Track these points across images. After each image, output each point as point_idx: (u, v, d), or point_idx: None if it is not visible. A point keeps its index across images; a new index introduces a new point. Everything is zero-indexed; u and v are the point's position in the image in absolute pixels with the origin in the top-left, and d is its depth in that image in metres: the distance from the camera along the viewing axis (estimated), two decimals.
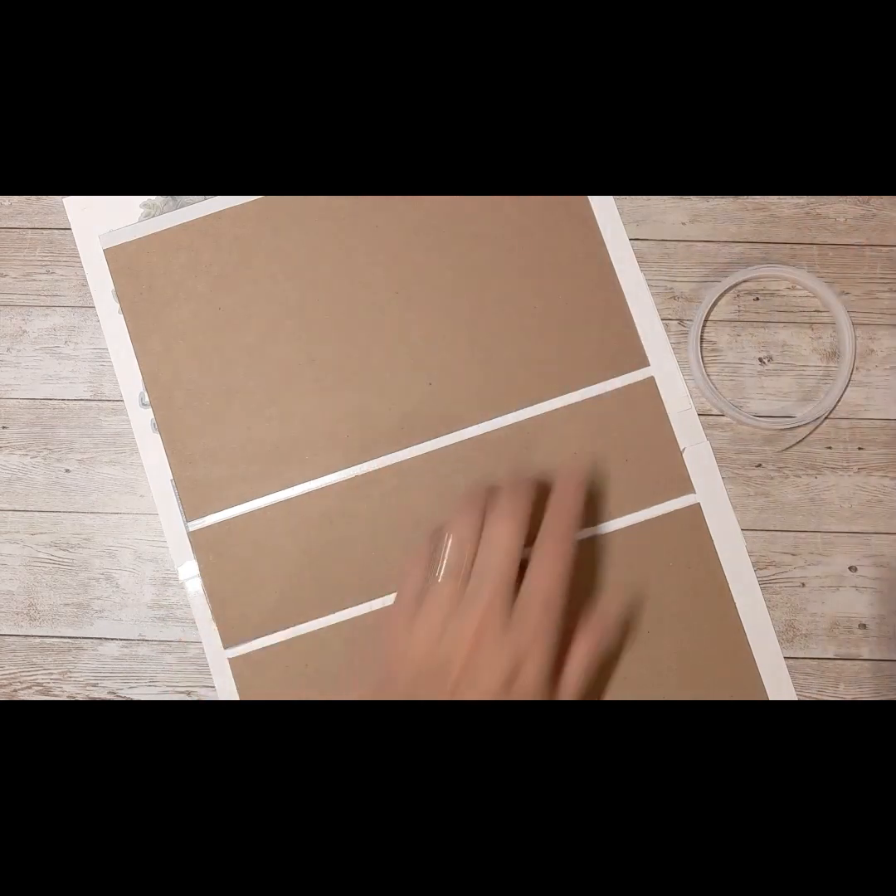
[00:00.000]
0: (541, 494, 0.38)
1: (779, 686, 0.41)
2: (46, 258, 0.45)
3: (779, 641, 0.41)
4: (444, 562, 0.36)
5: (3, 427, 0.44)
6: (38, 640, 0.42)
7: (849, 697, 0.41)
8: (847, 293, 0.44)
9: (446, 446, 0.43)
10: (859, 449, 0.42)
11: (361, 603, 0.42)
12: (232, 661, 0.41)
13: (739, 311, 0.44)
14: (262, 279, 0.44)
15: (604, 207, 0.44)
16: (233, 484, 0.43)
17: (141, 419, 0.43)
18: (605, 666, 0.40)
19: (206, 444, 0.43)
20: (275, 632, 0.42)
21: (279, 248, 0.44)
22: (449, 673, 0.34)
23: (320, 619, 0.42)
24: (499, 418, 0.43)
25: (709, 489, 0.42)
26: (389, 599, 0.42)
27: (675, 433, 0.43)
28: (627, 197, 0.44)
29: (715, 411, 0.43)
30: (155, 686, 0.42)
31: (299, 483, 0.42)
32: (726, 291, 0.44)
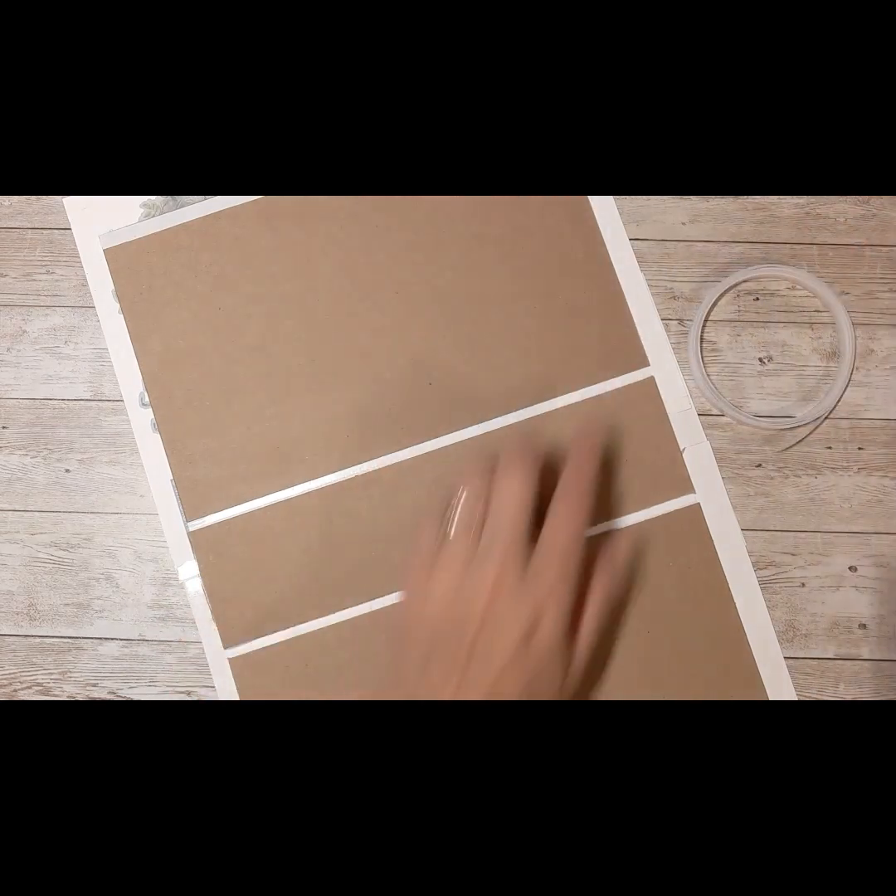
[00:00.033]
0: (549, 463, 0.38)
1: (779, 686, 0.41)
2: (46, 258, 0.45)
3: (779, 641, 0.41)
4: (456, 518, 0.36)
5: (3, 427, 0.44)
6: (38, 640, 0.42)
7: (849, 697, 0.41)
8: (847, 293, 0.44)
9: (446, 446, 0.43)
10: (859, 449, 0.42)
11: (361, 603, 0.42)
12: (232, 661, 0.41)
13: (739, 311, 0.44)
14: (262, 279, 0.44)
15: (604, 207, 0.44)
16: (233, 484, 0.43)
17: (141, 419, 0.43)
18: (615, 615, 0.41)
19: (206, 444, 0.43)
20: (275, 632, 0.42)
21: (279, 248, 0.44)
22: (467, 629, 0.34)
23: (320, 619, 0.42)
24: (499, 418, 0.43)
25: (709, 489, 0.42)
26: (389, 599, 0.42)
27: (675, 433, 0.43)
28: (627, 197, 0.44)
29: (715, 411, 0.43)
30: (155, 686, 0.42)
31: (299, 483, 0.43)
32: (726, 291, 0.44)
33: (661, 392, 0.43)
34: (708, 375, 0.43)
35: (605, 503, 0.42)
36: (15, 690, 0.42)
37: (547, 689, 0.35)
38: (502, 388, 0.43)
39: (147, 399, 0.43)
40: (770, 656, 0.41)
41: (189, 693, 0.42)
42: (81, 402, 0.44)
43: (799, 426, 0.42)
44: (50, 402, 0.44)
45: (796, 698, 0.41)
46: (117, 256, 0.44)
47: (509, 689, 0.34)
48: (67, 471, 0.43)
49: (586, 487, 0.37)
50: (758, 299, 0.44)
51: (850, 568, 0.42)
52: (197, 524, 0.42)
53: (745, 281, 0.44)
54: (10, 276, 0.45)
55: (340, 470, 0.43)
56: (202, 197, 0.45)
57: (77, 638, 0.42)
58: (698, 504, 0.42)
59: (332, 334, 0.44)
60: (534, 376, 0.43)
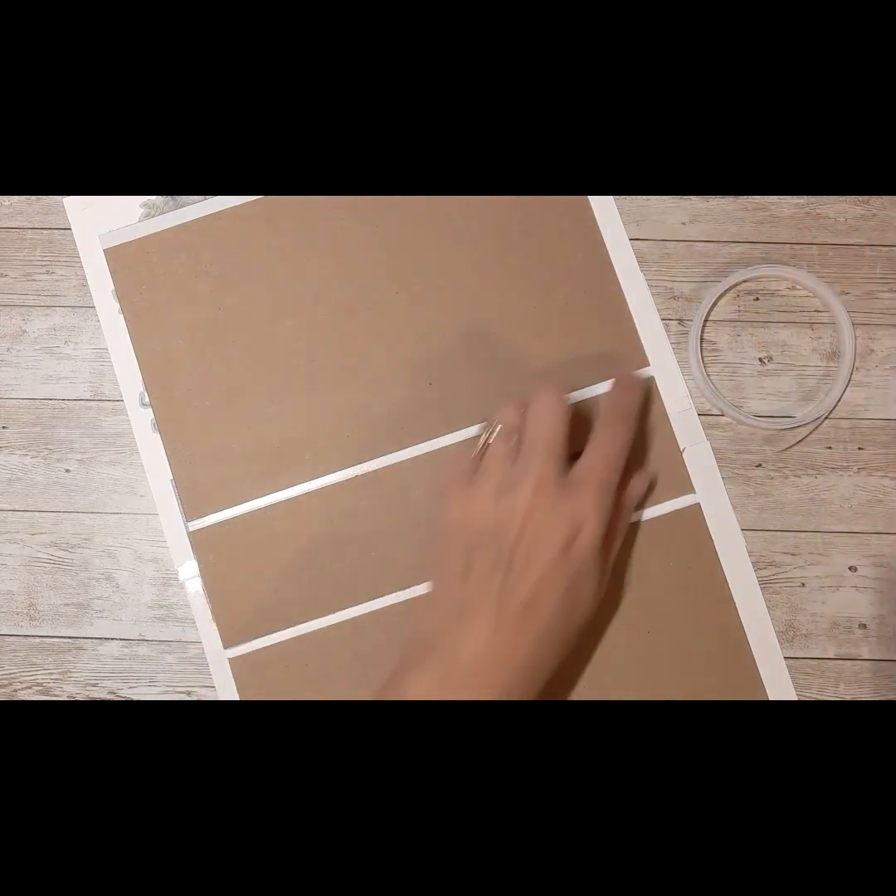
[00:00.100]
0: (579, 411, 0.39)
1: (779, 686, 0.41)
2: (46, 258, 0.45)
3: (779, 641, 0.41)
4: (494, 438, 0.37)
5: (3, 427, 0.44)
6: (38, 640, 0.42)
7: (849, 697, 0.41)
8: (847, 293, 0.44)
9: (446, 446, 0.43)
10: (859, 449, 0.42)
11: (362, 603, 0.42)
12: (232, 661, 0.41)
13: (739, 311, 0.44)
14: (262, 279, 0.44)
15: (604, 207, 0.44)
16: (233, 484, 0.43)
17: (141, 419, 0.43)
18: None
19: (206, 444, 0.43)
20: (275, 632, 0.42)
21: (279, 248, 0.44)
22: (508, 537, 0.35)
23: (320, 619, 0.42)
24: None
25: (709, 489, 0.42)
26: (390, 599, 0.42)
27: (675, 433, 0.43)
28: (627, 197, 0.44)
29: (715, 411, 0.43)
30: (155, 686, 0.42)
31: (299, 483, 0.42)
32: (726, 291, 0.44)
33: (661, 392, 0.43)
34: (708, 375, 0.43)
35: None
36: (15, 690, 0.42)
37: (584, 596, 0.36)
38: (502, 388, 0.43)
39: (147, 399, 0.43)
40: (770, 656, 0.41)
41: (189, 693, 0.42)
42: (81, 402, 0.44)
43: (799, 426, 0.42)
44: (50, 402, 0.44)
45: (796, 698, 0.41)
46: (117, 256, 0.44)
47: (548, 595, 0.34)
48: (67, 471, 0.43)
49: (629, 412, 0.38)
50: (758, 299, 0.44)
51: (850, 568, 0.42)
52: (197, 524, 0.42)
53: (745, 281, 0.44)
54: (10, 276, 0.45)
55: (340, 470, 0.43)
56: (202, 197, 0.45)
57: (77, 638, 0.42)
58: (698, 504, 0.42)
59: (331, 334, 0.44)
60: (533, 376, 0.43)
